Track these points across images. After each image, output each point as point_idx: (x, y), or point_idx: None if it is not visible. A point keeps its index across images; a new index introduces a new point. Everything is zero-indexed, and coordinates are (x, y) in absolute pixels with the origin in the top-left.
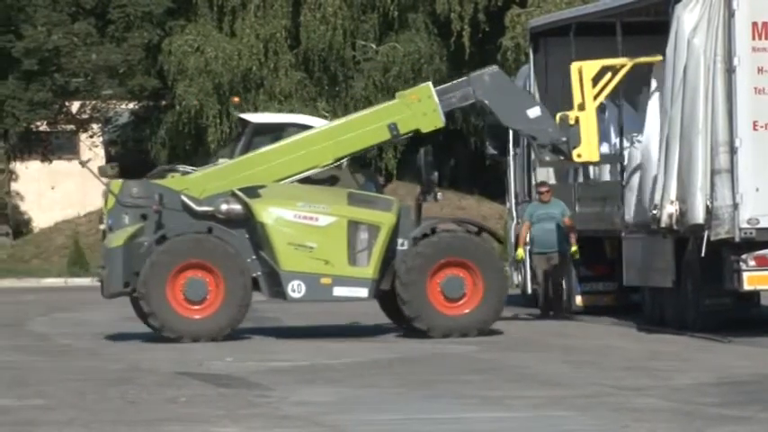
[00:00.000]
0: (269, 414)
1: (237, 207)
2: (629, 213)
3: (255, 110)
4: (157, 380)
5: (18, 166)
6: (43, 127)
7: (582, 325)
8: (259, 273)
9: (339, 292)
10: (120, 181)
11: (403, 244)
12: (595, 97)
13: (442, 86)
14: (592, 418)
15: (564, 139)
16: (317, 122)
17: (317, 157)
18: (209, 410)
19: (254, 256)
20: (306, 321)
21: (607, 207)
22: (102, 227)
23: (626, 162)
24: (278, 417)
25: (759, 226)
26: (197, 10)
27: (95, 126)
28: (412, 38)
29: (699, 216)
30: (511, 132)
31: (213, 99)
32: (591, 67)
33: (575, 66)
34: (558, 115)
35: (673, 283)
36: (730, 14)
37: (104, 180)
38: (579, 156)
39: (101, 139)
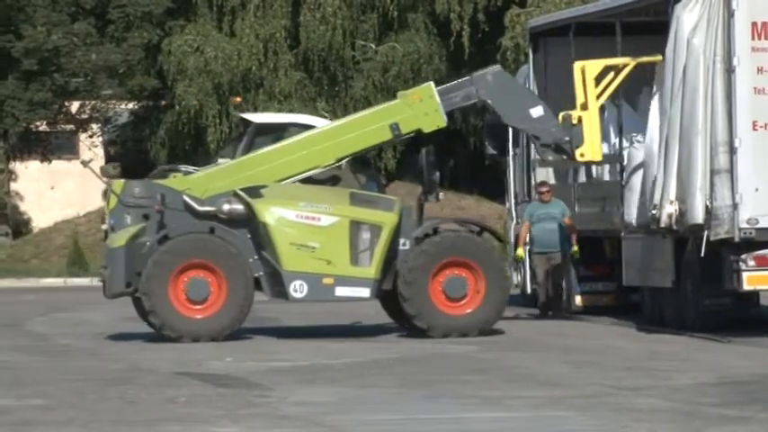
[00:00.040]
0: (268, 414)
1: (239, 207)
2: (629, 213)
3: (255, 110)
4: (157, 380)
5: (18, 166)
6: (43, 127)
7: (581, 325)
8: (261, 273)
9: (341, 292)
10: (123, 181)
11: (405, 244)
12: (598, 97)
13: (444, 86)
14: (591, 419)
15: (567, 138)
16: (319, 122)
17: (319, 157)
18: (209, 410)
19: (255, 256)
20: (306, 321)
21: (607, 207)
22: (104, 227)
23: (625, 162)
24: (278, 417)
25: (758, 226)
26: (197, 10)
27: (95, 126)
28: (411, 38)
29: (698, 216)
30: (510, 132)
31: (213, 99)
32: (594, 66)
33: (577, 65)
34: (561, 114)
35: (672, 283)
36: (730, 14)
37: (104, 179)
38: (582, 155)
39: (100, 139)
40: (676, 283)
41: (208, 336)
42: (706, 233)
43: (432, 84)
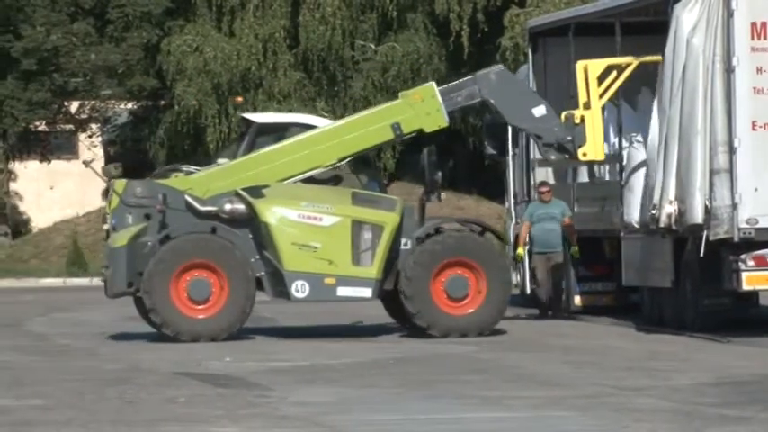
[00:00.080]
0: (268, 414)
1: (241, 207)
2: (628, 213)
3: (254, 110)
4: (156, 380)
5: (17, 166)
6: (42, 127)
7: (581, 325)
8: (263, 273)
9: (343, 292)
10: (124, 181)
11: (406, 244)
12: (600, 96)
13: (446, 86)
14: (592, 419)
15: (569, 138)
16: (321, 122)
17: (321, 156)
18: (208, 410)
19: (257, 256)
20: (305, 321)
21: (606, 207)
22: (105, 227)
23: (625, 162)
24: (277, 417)
25: (758, 226)
26: (196, 10)
27: (94, 126)
28: (411, 38)
29: (698, 216)
30: (510, 132)
31: (212, 99)
32: (596, 65)
33: (580, 64)
34: (564, 114)
35: (672, 283)
36: (729, 14)
37: (105, 178)
38: (584, 155)
39: (99, 139)
40: (676, 283)
41: (210, 335)
42: (705, 233)
43: (434, 84)
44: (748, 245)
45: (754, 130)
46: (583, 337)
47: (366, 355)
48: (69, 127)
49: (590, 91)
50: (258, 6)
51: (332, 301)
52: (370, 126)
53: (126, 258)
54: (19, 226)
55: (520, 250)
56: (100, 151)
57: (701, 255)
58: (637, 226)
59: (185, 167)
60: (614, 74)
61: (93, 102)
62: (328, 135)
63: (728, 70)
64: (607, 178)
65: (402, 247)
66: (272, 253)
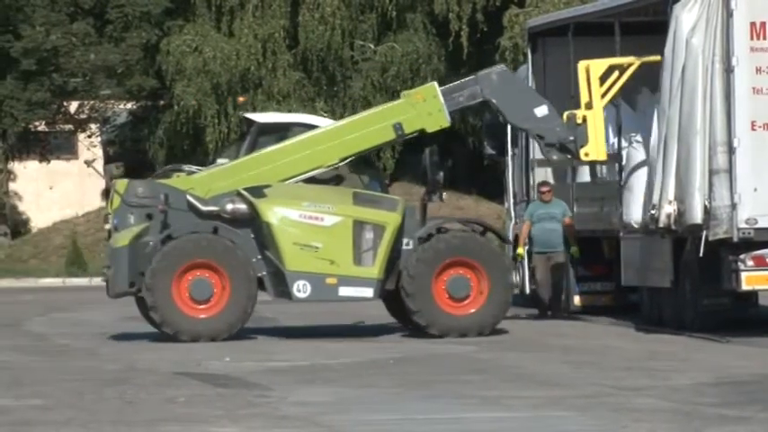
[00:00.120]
0: (268, 414)
1: (243, 207)
2: (628, 213)
3: (254, 110)
4: (156, 380)
5: (16, 166)
6: (41, 127)
7: (580, 325)
8: (264, 272)
9: (344, 292)
10: (126, 181)
11: (408, 244)
12: (602, 96)
13: (448, 86)
14: (591, 419)
15: (571, 138)
16: (323, 122)
17: (323, 156)
18: (208, 410)
19: (259, 256)
20: (305, 321)
21: (605, 207)
22: (107, 226)
23: (624, 162)
24: (277, 417)
25: (757, 226)
26: (195, 10)
27: (93, 126)
28: (410, 38)
29: (697, 216)
30: (509, 132)
31: (211, 99)
32: (598, 65)
33: (582, 64)
34: (566, 114)
35: (671, 283)
36: (729, 14)
37: (106, 178)
38: (587, 155)
39: (99, 139)
40: (675, 283)
41: (211, 335)
42: (705, 233)
43: (435, 84)
44: (747, 245)
45: (753, 130)
46: (582, 337)
47: (365, 355)
48: (69, 127)
49: (592, 91)
50: (257, 6)
51: (333, 301)
52: (372, 126)
53: (128, 258)
54: (18, 226)
55: (520, 250)
56: (99, 151)
57: (701, 255)
58: (636, 226)
59: (187, 167)
60: (616, 74)
61: (92, 102)
62: (330, 135)
63: (728, 70)
64: (607, 178)
65: (403, 247)
66: (274, 253)
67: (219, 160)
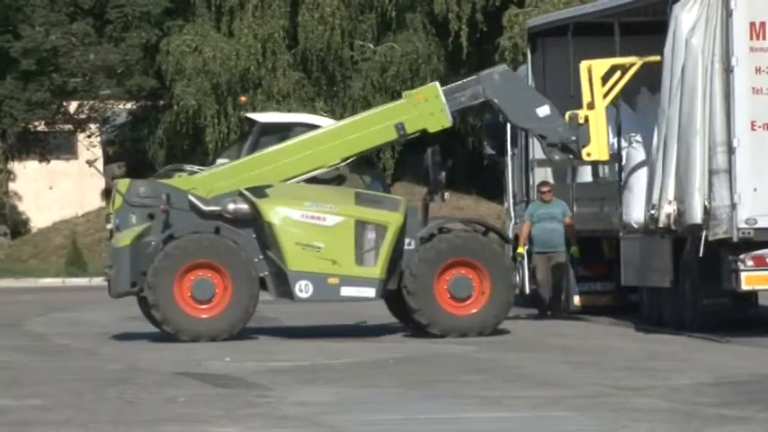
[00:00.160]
0: (268, 414)
1: (245, 207)
2: (628, 213)
3: (254, 110)
4: (156, 380)
5: (16, 166)
6: (41, 127)
7: (580, 325)
8: (266, 273)
9: (346, 292)
10: (128, 180)
11: (410, 244)
12: (605, 96)
13: (449, 86)
14: (591, 419)
15: (573, 137)
16: (324, 122)
17: (324, 156)
18: (208, 410)
19: (261, 256)
20: (309, 321)
21: (605, 207)
22: (108, 226)
23: (624, 162)
24: (277, 417)
25: (757, 226)
26: (195, 10)
27: (93, 126)
28: (410, 38)
29: (697, 216)
30: (509, 132)
31: (211, 99)
32: (600, 65)
33: (584, 64)
34: (568, 114)
35: (671, 283)
36: (728, 14)
37: (108, 178)
38: (589, 155)
39: (99, 139)
40: (675, 283)
41: (213, 335)
42: (704, 233)
43: (437, 84)
44: (747, 245)
45: (753, 130)
46: (582, 337)
47: (366, 355)
48: (68, 127)
49: (594, 91)
50: (257, 6)
51: (335, 301)
52: (374, 126)
53: (129, 258)
54: (18, 226)
55: (520, 249)
56: (99, 151)
57: (700, 255)
58: (636, 226)
59: (188, 167)
60: (618, 74)
61: (92, 102)
62: (331, 135)
63: (727, 70)
64: (608, 178)
65: (405, 247)
66: (276, 253)
67: (219, 160)
